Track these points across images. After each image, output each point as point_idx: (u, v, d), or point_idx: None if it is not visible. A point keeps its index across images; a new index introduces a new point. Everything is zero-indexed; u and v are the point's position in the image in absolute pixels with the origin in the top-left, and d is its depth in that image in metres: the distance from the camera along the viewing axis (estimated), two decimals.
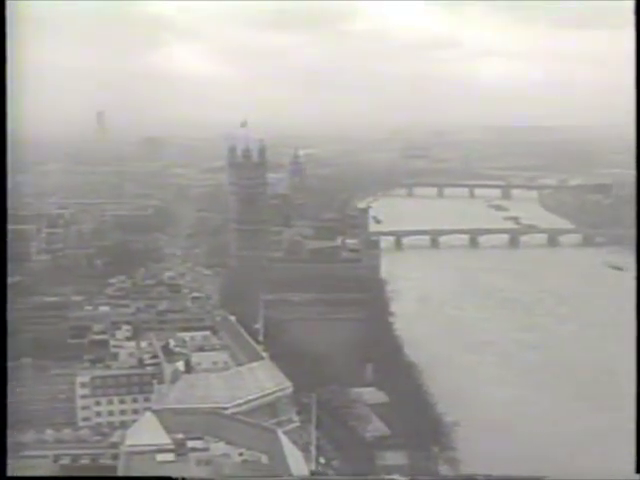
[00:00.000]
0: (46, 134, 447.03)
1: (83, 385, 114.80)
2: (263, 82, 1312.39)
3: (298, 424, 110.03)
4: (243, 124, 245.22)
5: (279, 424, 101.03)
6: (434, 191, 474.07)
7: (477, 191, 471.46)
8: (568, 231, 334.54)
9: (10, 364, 43.93)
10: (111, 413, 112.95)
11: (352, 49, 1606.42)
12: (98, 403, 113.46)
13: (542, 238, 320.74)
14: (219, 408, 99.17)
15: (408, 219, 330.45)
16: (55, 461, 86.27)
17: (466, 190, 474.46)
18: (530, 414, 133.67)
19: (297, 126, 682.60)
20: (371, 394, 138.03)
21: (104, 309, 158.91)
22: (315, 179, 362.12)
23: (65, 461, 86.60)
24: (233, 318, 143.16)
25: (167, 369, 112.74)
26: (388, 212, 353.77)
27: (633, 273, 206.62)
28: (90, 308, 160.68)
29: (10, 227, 44.75)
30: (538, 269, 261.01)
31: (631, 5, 41.94)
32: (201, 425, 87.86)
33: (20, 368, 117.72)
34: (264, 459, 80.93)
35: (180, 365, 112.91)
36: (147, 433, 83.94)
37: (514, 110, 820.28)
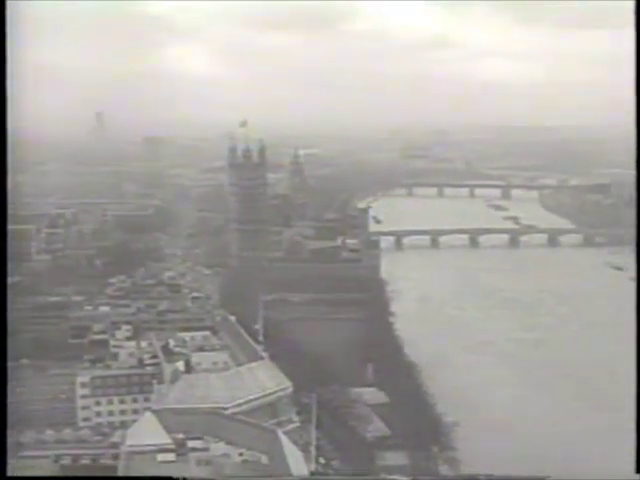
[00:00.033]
0: (46, 134, 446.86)
1: (83, 385, 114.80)
2: (263, 82, 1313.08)
3: (298, 424, 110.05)
4: (242, 124, 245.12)
5: (279, 424, 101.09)
6: (434, 191, 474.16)
7: (477, 191, 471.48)
8: (568, 231, 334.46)
9: (10, 364, 43.96)
10: (111, 413, 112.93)
11: (352, 49, 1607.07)
12: (98, 403, 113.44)
13: (542, 238, 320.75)
14: (219, 408, 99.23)
15: (408, 219, 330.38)
16: (55, 461, 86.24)
17: (466, 190, 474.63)
18: (530, 414, 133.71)
19: (297, 126, 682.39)
20: (371, 394, 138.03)
21: (104, 309, 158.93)
22: (315, 179, 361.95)
23: (65, 461, 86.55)
24: (233, 318, 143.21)
25: (167, 369, 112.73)
26: (388, 212, 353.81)
27: (633, 273, 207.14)
28: (90, 308, 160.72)
29: (10, 227, 44.68)
30: (538, 269, 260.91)
31: (631, 5, 41.98)
32: (201, 425, 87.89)
33: (20, 368, 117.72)
34: (264, 459, 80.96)
35: (180, 365, 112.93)
36: (147, 433, 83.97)
37: (514, 110, 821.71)
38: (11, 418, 43.04)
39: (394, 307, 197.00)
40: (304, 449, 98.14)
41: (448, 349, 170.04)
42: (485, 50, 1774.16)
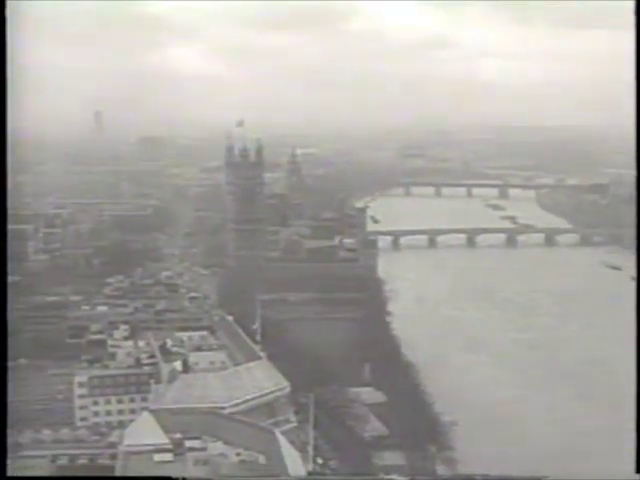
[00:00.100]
0: (45, 134, 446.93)
1: (81, 385, 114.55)
2: (261, 82, 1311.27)
3: (296, 424, 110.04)
4: (240, 123, 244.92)
5: (277, 424, 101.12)
6: (432, 190, 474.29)
7: (474, 190, 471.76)
8: (565, 231, 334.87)
9: (8, 364, 43.96)
10: (109, 413, 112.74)
11: (351, 49, 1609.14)
12: (96, 403, 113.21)
13: (539, 237, 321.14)
14: (217, 408, 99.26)
15: (406, 219, 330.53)
16: (53, 461, 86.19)
17: (464, 189, 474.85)
18: (528, 414, 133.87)
19: (295, 125, 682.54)
20: (369, 394, 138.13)
21: (102, 309, 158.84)
22: (313, 178, 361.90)
23: (63, 461, 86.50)
24: (231, 318, 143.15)
25: (165, 369, 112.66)
26: (386, 212, 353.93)
27: (631, 272, 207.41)
28: (88, 308, 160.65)
29: (8, 227, 44.73)
30: (535, 269, 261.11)
31: (631, 5, 42.08)
32: (199, 425, 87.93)
33: (18, 368, 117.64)
34: (261, 459, 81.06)
35: (178, 365, 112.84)
36: (145, 433, 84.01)
37: (512, 110, 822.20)
38: (8, 418, 43.03)
39: (391, 307, 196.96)
40: (302, 449, 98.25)
41: (445, 349, 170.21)
42: (484, 50, 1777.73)
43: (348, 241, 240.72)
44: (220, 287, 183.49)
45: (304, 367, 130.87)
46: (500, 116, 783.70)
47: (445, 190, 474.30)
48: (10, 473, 48.55)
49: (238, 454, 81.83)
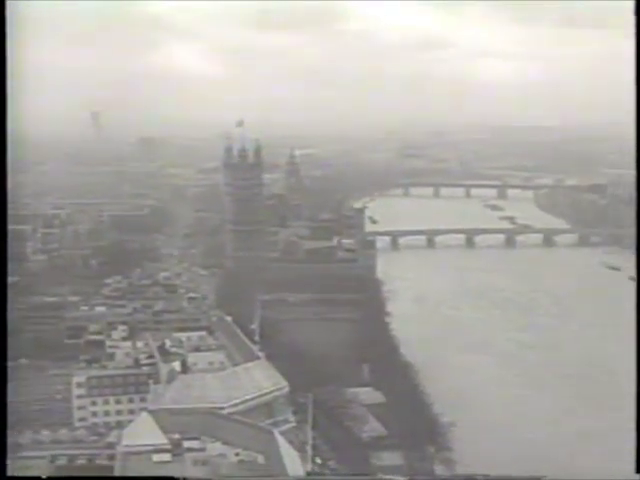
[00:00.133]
0: (44, 134, 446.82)
1: (79, 385, 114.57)
2: (260, 82, 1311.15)
3: (294, 424, 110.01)
4: (239, 124, 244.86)
5: (275, 424, 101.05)
6: (430, 191, 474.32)
7: (473, 191, 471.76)
8: (564, 231, 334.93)
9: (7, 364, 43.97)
10: (107, 413, 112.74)
11: (350, 49, 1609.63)
12: (94, 403, 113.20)
13: (538, 238, 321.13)
14: (215, 408, 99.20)
15: (404, 219, 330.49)
16: (52, 461, 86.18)
17: (462, 190, 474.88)
18: (527, 414, 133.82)
19: (294, 126, 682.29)
20: (367, 394, 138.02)
21: (100, 309, 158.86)
22: (311, 179, 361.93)
23: (62, 461, 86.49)
24: (229, 318, 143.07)
25: (163, 369, 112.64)
26: (384, 212, 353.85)
27: (630, 273, 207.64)
28: (86, 308, 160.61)
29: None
30: (534, 269, 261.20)
31: (631, 5, 42.11)
32: (197, 425, 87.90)
33: (16, 368, 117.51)
34: (260, 459, 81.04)
35: (176, 365, 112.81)
36: (143, 433, 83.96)
37: (512, 110, 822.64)
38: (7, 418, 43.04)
39: (390, 307, 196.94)
40: (300, 449, 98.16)
41: (444, 349, 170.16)
42: (484, 50, 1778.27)
43: (347, 242, 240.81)
44: (219, 288, 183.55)
45: (303, 367, 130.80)
46: (499, 116, 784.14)
47: (444, 190, 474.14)
48: (9, 473, 48.57)
49: (237, 454, 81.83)
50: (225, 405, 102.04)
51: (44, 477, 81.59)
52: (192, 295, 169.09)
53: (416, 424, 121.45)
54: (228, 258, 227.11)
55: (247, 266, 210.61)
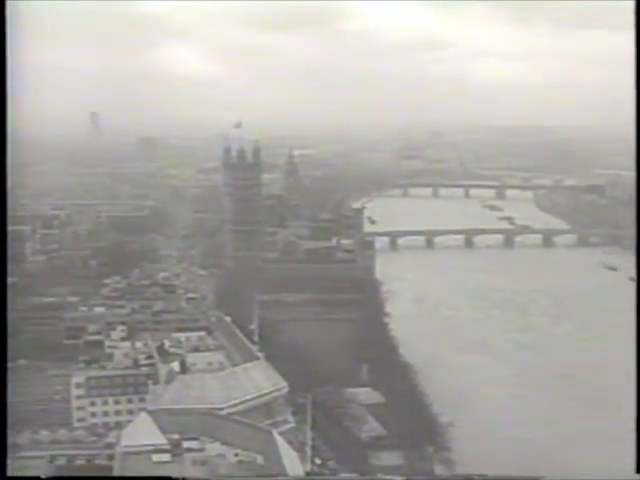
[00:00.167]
0: (43, 134, 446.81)
1: (78, 386, 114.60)
2: (260, 82, 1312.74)
3: (293, 424, 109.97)
4: (237, 125, 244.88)
5: (274, 424, 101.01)
6: (429, 191, 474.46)
7: (472, 191, 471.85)
8: (563, 231, 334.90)
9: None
10: (106, 413, 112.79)
11: (350, 49, 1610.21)
12: (93, 403, 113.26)
13: (537, 238, 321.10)
14: (214, 409, 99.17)
15: (403, 219, 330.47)
16: (51, 462, 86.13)
17: (461, 190, 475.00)
18: (526, 414, 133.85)
19: (294, 126, 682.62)
20: (366, 394, 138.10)
21: (99, 310, 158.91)
22: (310, 179, 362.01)
23: (61, 462, 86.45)
24: (228, 319, 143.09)
25: (162, 370, 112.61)
26: (383, 212, 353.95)
27: (629, 273, 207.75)
28: (85, 309, 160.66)
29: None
30: (533, 269, 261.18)
31: (631, 5, 42.14)
32: (196, 426, 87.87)
33: (16, 369, 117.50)
34: (260, 459, 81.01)
35: (175, 366, 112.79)
36: (142, 433, 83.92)
37: (511, 110, 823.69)
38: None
39: (389, 307, 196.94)
40: (299, 449, 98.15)
41: (443, 349, 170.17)
42: (484, 50, 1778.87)
43: (345, 242, 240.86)
44: (218, 288, 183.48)
45: (302, 368, 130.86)
46: (499, 117, 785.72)
47: (442, 191, 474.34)
48: (9, 474, 48.59)
49: (236, 454, 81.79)
50: (224, 405, 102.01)
51: (44, 477, 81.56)
52: (191, 295, 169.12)
53: (415, 424, 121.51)
54: (227, 258, 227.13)
55: (246, 266, 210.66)
